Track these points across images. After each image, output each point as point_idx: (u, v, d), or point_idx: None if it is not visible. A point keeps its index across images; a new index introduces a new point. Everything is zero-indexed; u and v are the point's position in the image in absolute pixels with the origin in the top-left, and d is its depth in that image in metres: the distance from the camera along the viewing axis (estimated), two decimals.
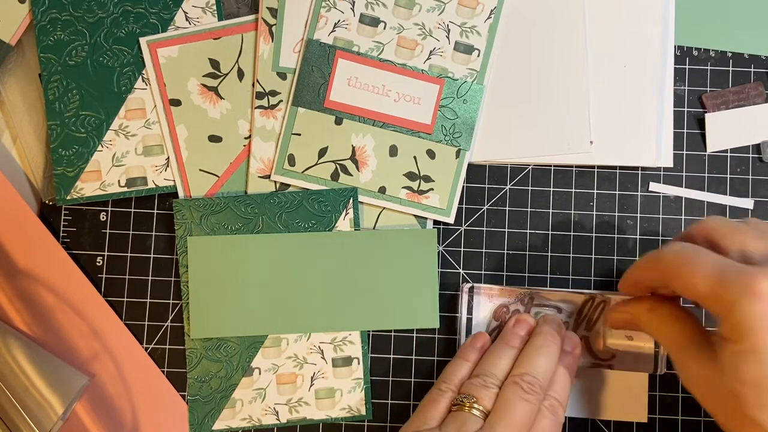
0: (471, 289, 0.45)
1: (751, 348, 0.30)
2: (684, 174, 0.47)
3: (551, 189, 0.47)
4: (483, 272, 0.47)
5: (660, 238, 0.47)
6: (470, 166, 0.47)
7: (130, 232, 0.47)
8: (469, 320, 0.45)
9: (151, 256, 0.47)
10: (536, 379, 0.39)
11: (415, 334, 0.47)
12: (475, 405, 0.38)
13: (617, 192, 0.47)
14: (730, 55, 0.48)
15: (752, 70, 0.48)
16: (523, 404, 0.38)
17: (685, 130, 0.47)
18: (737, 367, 0.31)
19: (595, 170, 0.47)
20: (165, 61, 0.46)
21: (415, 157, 0.46)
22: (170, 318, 0.47)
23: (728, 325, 0.31)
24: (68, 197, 0.46)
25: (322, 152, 0.46)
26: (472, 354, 0.42)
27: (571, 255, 0.47)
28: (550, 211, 0.47)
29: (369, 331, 0.46)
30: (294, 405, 0.46)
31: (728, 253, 0.34)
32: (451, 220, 0.46)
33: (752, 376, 0.31)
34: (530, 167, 0.47)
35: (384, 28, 0.46)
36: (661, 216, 0.47)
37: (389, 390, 0.46)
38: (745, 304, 0.30)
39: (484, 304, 0.45)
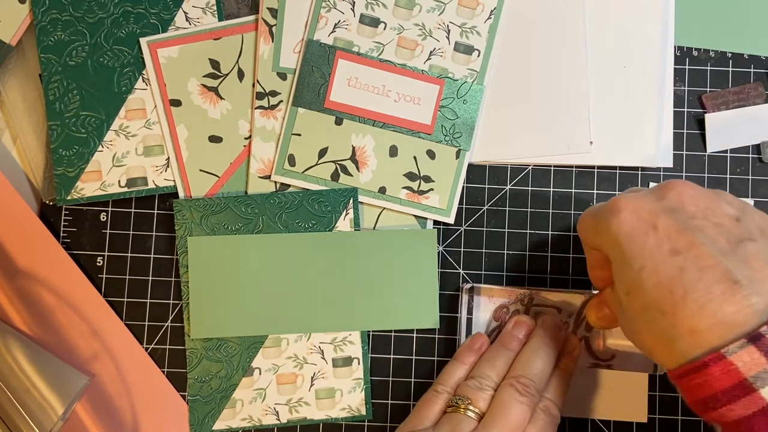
0: (471, 290, 0.45)
1: (620, 258, 0.33)
2: (684, 174, 0.47)
3: (551, 189, 0.47)
4: (483, 272, 0.47)
5: None
6: (470, 166, 0.47)
7: (131, 233, 0.47)
8: (469, 320, 0.45)
9: (152, 256, 0.47)
10: (532, 381, 0.39)
11: (415, 335, 0.47)
12: (470, 407, 0.39)
13: (617, 192, 0.47)
14: (730, 55, 0.48)
15: (752, 70, 0.48)
16: (518, 406, 0.38)
17: (685, 131, 0.47)
18: (618, 281, 0.33)
19: (595, 170, 0.47)
20: (165, 61, 0.46)
21: (415, 158, 0.46)
22: (170, 318, 0.47)
23: (604, 244, 0.34)
24: (68, 197, 0.46)
25: (323, 152, 0.46)
26: (469, 356, 0.43)
27: (571, 255, 0.47)
28: (550, 211, 0.47)
29: (369, 331, 0.46)
30: (294, 405, 0.46)
31: None
32: (451, 220, 0.47)
33: (626, 284, 0.33)
34: (530, 167, 0.47)
35: (384, 29, 0.46)
36: None
37: (389, 390, 0.47)
38: (607, 223, 0.33)
39: (484, 304, 0.45)
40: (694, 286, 0.30)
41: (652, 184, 0.47)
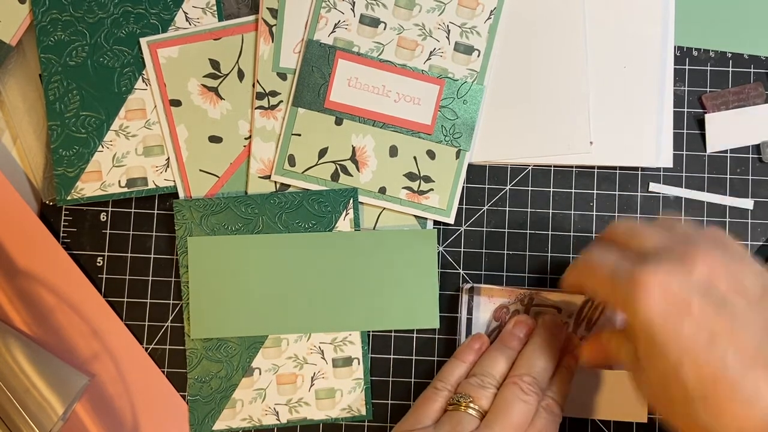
0: (471, 290, 0.45)
1: (650, 342, 0.31)
2: (684, 174, 0.47)
3: (551, 189, 0.47)
4: (483, 272, 0.47)
5: None
6: (470, 166, 0.47)
7: (131, 233, 0.47)
8: (469, 320, 0.45)
9: (152, 256, 0.47)
10: (535, 379, 0.39)
11: (415, 335, 0.47)
12: (472, 405, 0.38)
13: (617, 192, 0.47)
14: (730, 55, 0.48)
15: (752, 70, 0.48)
16: (521, 405, 0.38)
17: (685, 131, 0.47)
18: (650, 367, 0.32)
19: (595, 170, 0.47)
20: (165, 61, 0.46)
21: (415, 158, 0.46)
22: (170, 318, 0.47)
23: (630, 320, 0.32)
24: (68, 197, 0.46)
25: (323, 153, 0.46)
26: (469, 355, 0.42)
27: (571, 255, 0.47)
28: (550, 211, 0.47)
29: (369, 332, 0.46)
30: (294, 405, 0.46)
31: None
32: (451, 220, 0.47)
33: (660, 373, 0.31)
34: (530, 167, 0.47)
35: (384, 29, 0.46)
36: (661, 216, 0.47)
37: (389, 390, 0.47)
38: (636, 302, 0.31)
39: (484, 304, 0.45)
40: (741, 383, 0.29)
41: (652, 185, 0.47)
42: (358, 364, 0.46)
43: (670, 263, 0.31)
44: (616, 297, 0.33)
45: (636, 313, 0.31)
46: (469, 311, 0.45)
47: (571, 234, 0.47)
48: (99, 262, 0.47)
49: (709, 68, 0.48)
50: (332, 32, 0.46)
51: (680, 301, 0.30)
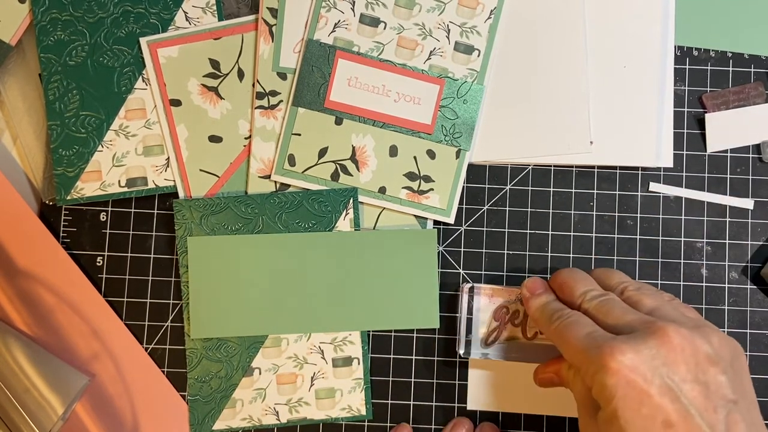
0: (471, 289, 0.45)
1: (612, 414, 0.33)
2: (684, 174, 0.47)
3: (551, 189, 0.47)
4: (483, 272, 0.47)
5: (660, 238, 0.47)
6: (470, 166, 0.47)
7: (130, 232, 0.47)
8: (469, 320, 0.45)
9: (151, 256, 0.47)
10: None
11: (415, 334, 0.47)
12: None
13: (617, 192, 0.47)
14: (730, 55, 0.48)
15: (752, 70, 0.48)
16: None
17: (685, 130, 0.47)
18: (604, 429, 0.34)
19: (595, 170, 0.47)
20: (165, 61, 0.46)
21: (415, 158, 0.46)
22: (170, 318, 0.47)
23: (595, 392, 0.35)
24: (68, 197, 0.46)
25: (322, 152, 0.46)
26: None
27: (571, 255, 0.47)
28: (550, 211, 0.47)
29: (369, 331, 0.46)
30: (294, 405, 0.46)
31: (570, 298, 0.40)
32: (451, 220, 0.46)
33: None
34: (530, 167, 0.47)
35: (384, 29, 0.46)
36: (661, 216, 0.47)
37: (389, 390, 0.47)
38: (602, 377, 0.34)
39: (484, 304, 0.45)
40: None
41: (652, 185, 0.47)
42: (358, 364, 0.46)
43: (639, 342, 0.34)
44: (586, 368, 0.35)
45: (602, 386, 0.34)
46: (469, 311, 0.45)
47: (571, 234, 0.47)
48: (99, 262, 0.47)
49: (709, 68, 0.48)
50: (332, 32, 0.46)
51: (643, 384, 0.33)
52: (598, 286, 0.40)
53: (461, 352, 0.44)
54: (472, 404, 0.46)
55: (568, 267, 0.46)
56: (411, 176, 0.46)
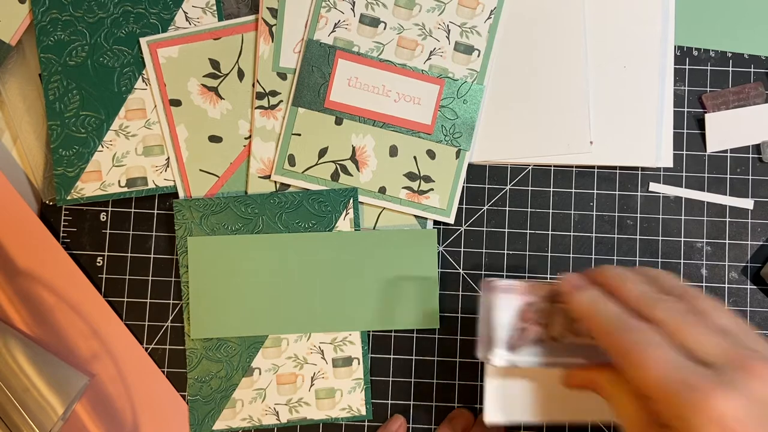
0: (492, 285, 0.38)
1: None
2: (684, 174, 0.47)
3: (551, 189, 0.47)
4: (483, 272, 0.47)
5: (660, 238, 0.47)
6: (470, 166, 0.47)
7: (131, 233, 0.47)
8: (491, 319, 0.38)
9: (151, 256, 0.47)
10: None
11: (415, 334, 0.47)
12: None
13: (617, 192, 0.47)
14: (730, 55, 0.48)
15: (752, 70, 0.48)
16: None
17: (685, 130, 0.47)
18: None
19: (595, 170, 0.47)
20: (165, 61, 0.46)
21: (415, 158, 0.46)
22: (170, 318, 0.47)
23: (676, 424, 0.30)
24: (68, 197, 0.46)
25: (322, 152, 0.46)
26: None
27: (571, 255, 0.47)
28: (550, 211, 0.47)
29: (369, 332, 0.46)
30: (294, 405, 0.46)
31: (627, 300, 0.34)
32: (451, 220, 0.46)
33: None
34: (530, 167, 0.47)
35: (384, 29, 0.46)
36: (661, 216, 0.47)
37: (389, 390, 0.47)
38: (698, 423, 0.29)
39: (509, 302, 0.38)
40: None
41: (652, 185, 0.47)
42: (358, 364, 0.46)
43: (735, 385, 0.30)
44: (673, 403, 0.31)
45: (691, 428, 0.29)
46: (491, 309, 0.38)
47: (571, 234, 0.47)
48: (99, 262, 0.47)
49: (709, 68, 0.48)
50: (332, 32, 0.46)
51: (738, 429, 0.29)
52: (652, 284, 0.35)
53: (494, 360, 0.36)
54: (490, 416, 0.39)
55: (567, 268, 0.46)
56: (411, 176, 0.46)
